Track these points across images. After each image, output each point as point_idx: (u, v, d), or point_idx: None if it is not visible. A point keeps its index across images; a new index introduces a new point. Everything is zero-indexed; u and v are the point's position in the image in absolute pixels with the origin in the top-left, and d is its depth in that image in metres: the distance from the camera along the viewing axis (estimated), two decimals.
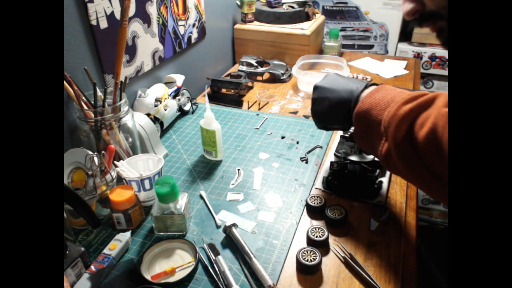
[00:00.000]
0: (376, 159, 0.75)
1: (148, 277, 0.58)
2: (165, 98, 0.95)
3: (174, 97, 1.01)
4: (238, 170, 0.83)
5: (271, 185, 0.78)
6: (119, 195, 0.65)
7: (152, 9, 0.94)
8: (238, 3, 1.36)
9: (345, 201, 0.74)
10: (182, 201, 0.66)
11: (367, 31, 1.72)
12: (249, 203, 0.73)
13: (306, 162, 0.85)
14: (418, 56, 1.68)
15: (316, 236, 0.63)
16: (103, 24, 0.79)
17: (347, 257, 0.61)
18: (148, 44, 0.94)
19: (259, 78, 1.29)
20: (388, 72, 1.33)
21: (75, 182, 0.68)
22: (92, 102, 0.72)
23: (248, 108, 1.11)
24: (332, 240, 0.65)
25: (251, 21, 1.40)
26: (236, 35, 1.40)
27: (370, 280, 0.57)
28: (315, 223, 0.69)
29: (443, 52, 1.65)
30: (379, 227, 0.67)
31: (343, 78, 0.66)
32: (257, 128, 0.99)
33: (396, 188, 0.77)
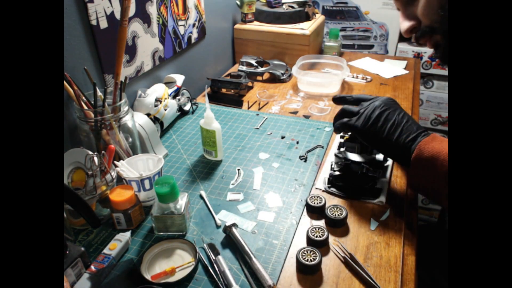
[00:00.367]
0: (376, 159, 0.75)
1: (148, 277, 0.58)
2: (165, 98, 0.95)
3: (174, 97, 1.01)
4: (238, 170, 0.83)
5: (271, 185, 0.78)
6: (119, 195, 0.65)
7: (152, 9, 0.94)
8: (238, 3, 1.36)
9: (345, 201, 0.74)
10: (182, 201, 0.66)
11: (367, 31, 1.72)
12: (249, 203, 0.73)
13: (305, 161, 0.85)
14: (418, 56, 1.68)
15: (316, 236, 0.63)
16: (103, 24, 0.79)
17: (347, 257, 0.61)
18: (148, 44, 0.94)
19: (259, 78, 1.29)
20: (388, 72, 1.33)
21: (75, 182, 0.68)
22: (92, 102, 0.72)
23: (248, 108, 1.11)
24: (332, 240, 0.65)
25: (251, 21, 1.40)
26: (236, 35, 1.40)
27: (370, 280, 0.57)
28: (315, 223, 0.69)
29: None
30: (379, 227, 0.67)
31: (404, 113, 0.68)
32: (257, 128, 0.99)
33: (396, 188, 0.77)
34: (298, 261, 0.59)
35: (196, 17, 1.15)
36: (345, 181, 0.75)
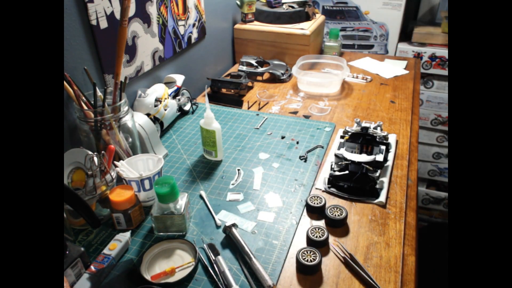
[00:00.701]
0: (376, 159, 0.75)
1: (148, 277, 0.58)
2: (165, 98, 0.95)
3: (174, 97, 1.01)
4: (238, 170, 0.83)
5: (271, 185, 0.78)
6: (119, 195, 0.65)
7: (152, 9, 0.94)
8: (238, 3, 1.36)
9: (345, 201, 0.74)
10: (182, 201, 0.66)
11: (367, 31, 1.72)
12: (249, 203, 0.73)
13: (305, 161, 0.85)
14: (418, 56, 1.68)
15: (316, 236, 0.63)
16: (103, 24, 0.79)
17: (347, 257, 0.61)
18: (148, 44, 0.94)
19: (259, 78, 1.29)
20: (388, 72, 1.33)
21: (75, 182, 0.68)
22: (92, 102, 0.72)
23: (248, 108, 1.11)
24: (332, 240, 0.65)
25: (251, 21, 1.40)
26: (236, 35, 1.40)
27: (370, 280, 0.57)
28: (315, 223, 0.69)
29: (443, 52, 1.65)
30: (379, 227, 0.67)
31: None
32: (257, 128, 0.99)
33: (396, 189, 0.77)
34: (298, 261, 0.59)
35: (196, 17, 1.15)
36: (345, 181, 0.75)
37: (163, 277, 0.58)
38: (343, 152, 0.78)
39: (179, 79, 1.04)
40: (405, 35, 1.76)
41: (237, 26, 1.39)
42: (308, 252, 0.60)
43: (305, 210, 0.72)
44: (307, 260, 0.58)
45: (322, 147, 0.90)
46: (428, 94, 1.76)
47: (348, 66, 1.34)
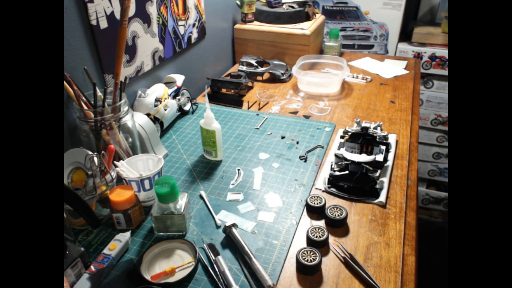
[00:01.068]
0: (376, 159, 0.75)
1: (148, 277, 0.58)
2: (165, 98, 0.95)
3: (174, 97, 1.01)
4: (238, 170, 0.83)
5: (271, 185, 0.78)
6: (119, 195, 0.65)
7: (152, 9, 0.94)
8: (238, 3, 1.36)
9: (345, 201, 0.74)
10: (182, 201, 0.66)
11: (367, 31, 1.72)
12: (249, 203, 0.73)
13: (305, 161, 0.85)
14: (418, 56, 1.68)
15: (316, 236, 0.63)
16: (103, 24, 0.79)
17: (347, 257, 0.61)
18: (148, 44, 0.94)
19: (259, 78, 1.29)
20: (388, 72, 1.33)
21: (75, 182, 0.68)
22: (92, 102, 0.72)
23: (248, 108, 1.11)
24: (332, 240, 0.65)
25: (251, 21, 1.40)
26: (236, 35, 1.40)
27: (370, 280, 0.57)
28: (315, 223, 0.69)
29: (443, 52, 1.65)
30: (379, 227, 0.67)
31: None
32: (257, 128, 0.99)
33: (396, 189, 0.77)
34: (298, 261, 0.59)
35: (196, 17, 1.15)
36: (345, 181, 0.75)
37: (163, 277, 0.58)
38: (343, 152, 0.78)
39: (179, 79, 1.04)
40: (405, 35, 1.76)
41: (237, 26, 1.39)
42: (308, 252, 0.60)
43: (305, 210, 0.72)
44: (307, 260, 0.58)
45: (322, 147, 0.90)
46: (428, 94, 1.76)
47: (348, 66, 1.34)
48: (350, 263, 0.60)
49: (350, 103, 1.12)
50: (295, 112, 1.08)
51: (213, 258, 0.60)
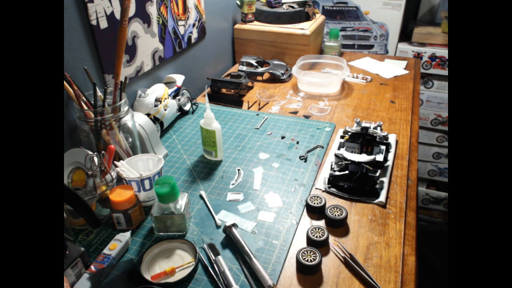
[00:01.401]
0: (376, 159, 0.75)
1: (148, 277, 0.58)
2: (165, 98, 0.95)
3: (174, 97, 1.01)
4: (238, 170, 0.83)
5: (271, 185, 0.78)
6: (119, 195, 0.65)
7: (152, 9, 0.94)
8: (238, 3, 1.36)
9: (345, 201, 0.74)
10: (182, 201, 0.66)
11: (367, 31, 1.72)
12: (249, 203, 0.73)
13: (305, 161, 0.85)
14: (418, 56, 1.68)
15: (316, 236, 0.63)
16: (103, 24, 0.79)
17: (347, 257, 0.61)
18: (148, 44, 0.94)
19: (259, 78, 1.29)
20: (388, 72, 1.33)
21: (75, 182, 0.68)
22: (92, 102, 0.72)
23: (248, 108, 1.11)
24: (332, 240, 0.65)
25: (251, 21, 1.40)
26: (236, 35, 1.40)
27: (370, 280, 0.57)
28: (315, 223, 0.69)
29: (443, 52, 1.65)
30: (379, 227, 0.67)
31: None
32: (257, 128, 0.99)
33: (396, 189, 0.77)
34: (298, 261, 0.59)
35: (196, 17, 1.15)
36: (345, 181, 0.75)
37: (163, 277, 0.58)
38: (343, 152, 0.78)
39: (179, 79, 1.04)
40: (405, 35, 1.76)
41: (237, 26, 1.39)
42: (308, 252, 0.60)
43: (305, 210, 0.72)
44: (307, 260, 0.58)
45: (322, 147, 0.90)
46: (428, 94, 1.76)
47: (348, 66, 1.34)
48: (350, 263, 0.60)
49: (350, 103, 1.12)
50: (295, 112, 1.08)
51: (213, 258, 0.60)
